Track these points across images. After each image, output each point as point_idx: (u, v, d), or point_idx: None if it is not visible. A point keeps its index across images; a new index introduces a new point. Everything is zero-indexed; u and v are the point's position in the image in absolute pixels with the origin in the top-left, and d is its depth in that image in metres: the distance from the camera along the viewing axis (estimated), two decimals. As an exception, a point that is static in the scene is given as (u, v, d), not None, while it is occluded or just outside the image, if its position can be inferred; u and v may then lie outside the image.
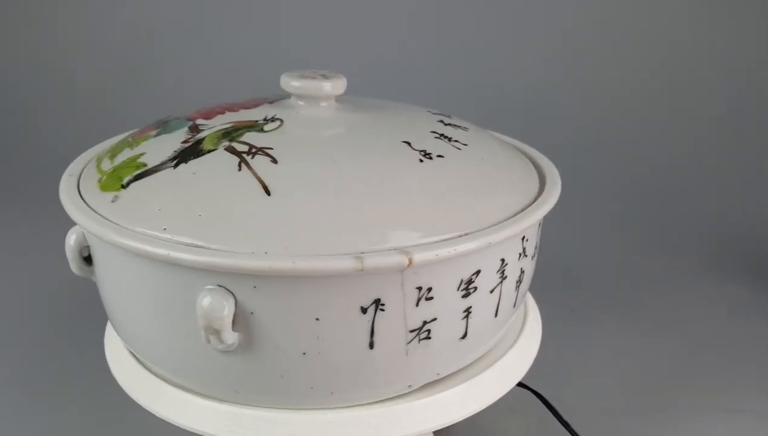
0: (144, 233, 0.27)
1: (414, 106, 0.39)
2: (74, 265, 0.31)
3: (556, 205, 0.32)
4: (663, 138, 0.88)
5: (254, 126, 0.32)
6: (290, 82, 0.34)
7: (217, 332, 0.26)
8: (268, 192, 0.28)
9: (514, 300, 0.33)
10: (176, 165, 0.30)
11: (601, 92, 0.91)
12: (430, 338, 0.29)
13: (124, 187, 0.29)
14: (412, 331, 0.28)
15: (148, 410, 0.31)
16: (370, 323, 0.27)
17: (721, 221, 0.77)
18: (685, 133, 0.88)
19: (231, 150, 0.30)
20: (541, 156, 0.38)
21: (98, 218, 0.28)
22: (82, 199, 0.31)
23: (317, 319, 0.27)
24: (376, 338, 0.28)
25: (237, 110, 0.34)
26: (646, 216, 0.79)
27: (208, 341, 0.27)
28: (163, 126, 0.34)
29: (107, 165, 0.32)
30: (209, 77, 0.99)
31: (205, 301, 0.26)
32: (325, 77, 0.34)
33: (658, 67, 0.91)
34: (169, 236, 0.27)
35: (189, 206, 0.27)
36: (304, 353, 0.27)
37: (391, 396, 0.30)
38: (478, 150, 0.33)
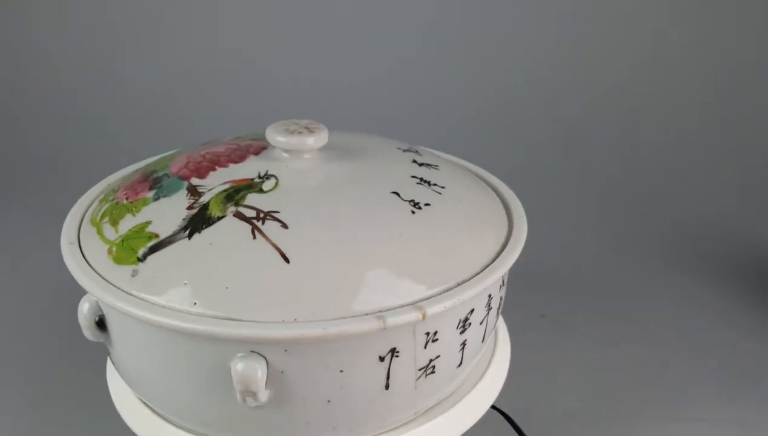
0: (174, 309, 0.29)
1: (383, 140, 0.42)
2: (88, 332, 0.33)
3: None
4: (635, 141, 0.89)
5: (252, 186, 0.34)
6: (276, 138, 0.36)
7: (253, 394, 0.29)
8: (286, 260, 0.30)
9: (494, 323, 0.37)
10: (190, 235, 0.31)
11: (578, 90, 0.92)
12: (434, 372, 0.33)
13: (141, 260, 0.31)
14: (420, 369, 0.32)
15: None
16: (387, 368, 0.31)
17: (691, 224, 0.78)
18: (659, 136, 0.89)
19: (240, 216, 0.32)
20: (502, 185, 0.42)
21: (124, 296, 0.30)
22: (94, 270, 0.32)
23: (341, 371, 0.30)
24: (390, 380, 0.31)
25: (226, 165, 0.36)
26: (618, 219, 0.79)
27: (244, 401, 0.29)
28: (157, 187, 0.35)
29: (112, 234, 0.33)
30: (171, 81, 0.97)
31: (240, 366, 0.29)
32: (308, 130, 0.37)
33: (641, 63, 0.91)
34: (201, 311, 0.29)
35: (214, 279, 0.30)
36: (328, 401, 0.31)
37: (399, 424, 0.34)
38: (455, 191, 0.37)
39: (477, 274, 0.32)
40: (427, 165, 0.39)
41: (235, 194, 0.33)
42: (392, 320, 0.29)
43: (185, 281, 0.30)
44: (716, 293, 0.66)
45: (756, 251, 0.73)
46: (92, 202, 0.39)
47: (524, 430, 0.44)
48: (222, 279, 0.30)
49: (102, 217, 0.35)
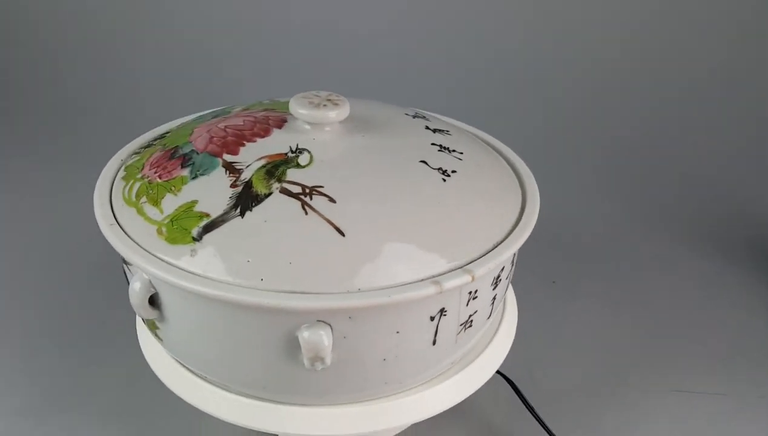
0: (242, 286, 0.31)
1: (390, 106, 0.44)
2: (142, 311, 0.34)
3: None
4: (644, 109, 0.88)
5: (289, 161, 0.35)
6: (298, 110, 0.38)
7: (321, 359, 0.31)
8: (342, 233, 0.32)
9: (512, 276, 0.40)
10: (242, 213, 0.33)
11: (583, 52, 0.91)
12: (471, 325, 0.36)
13: (196, 239, 0.32)
14: (461, 324, 0.35)
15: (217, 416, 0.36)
16: (436, 326, 0.34)
17: (701, 195, 0.77)
18: (669, 100, 0.88)
19: (287, 193, 0.33)
20: (505, 147, 0.45)
21: (191, 276, 0.31)
22: (147, 251, 0.33)
23: (397, 332, 0.33)
24: (438, 336, 0.34)
25: (253, 139, 0.37)
26: (628, 187, 0.79)
27: (312, 366, 0.32)
28: (190, 164, 0.36)
29: (156, 214, 0.34)
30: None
31: (307, 335, 0.31)
32: (332, 103, 0.38)
33: (650, 22, 0.90)
34: (269, 286, 0.31)
35: (277, 255, 0.31)
36: (384, 360, 0.33)
37: (438, 375, 0.37)
38: (472, 156, 0.39)
39: (509, 234, 0.35)
40: (440, 131, 0.41)
41: (274, 170, 0.35)
42: (447, 285, 0.31)
43: (248, 259, 0.31)
44: (722, 267, 0.66)
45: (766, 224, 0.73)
46: (113, 180, 0.39)
47: (526, 396, 0.45)
48: (284, 255, 0.31)
49: (137, 196, 0.35)
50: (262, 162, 0.35)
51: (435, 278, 0.32)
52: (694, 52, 0.89)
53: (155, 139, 0.42)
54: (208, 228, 0.32)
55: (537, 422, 0.43)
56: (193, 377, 0.37)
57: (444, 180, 0.36)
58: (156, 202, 0.34)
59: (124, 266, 0.36)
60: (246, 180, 0.34)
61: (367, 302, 0.30)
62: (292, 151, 0.36)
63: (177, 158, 0.37)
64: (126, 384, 0.49)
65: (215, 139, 0.38)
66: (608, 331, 0.56)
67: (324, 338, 0.31)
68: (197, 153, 0.37)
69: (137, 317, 0.43)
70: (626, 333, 0.56)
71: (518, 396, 0.45)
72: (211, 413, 0.36)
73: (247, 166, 0.35)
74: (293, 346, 0.32)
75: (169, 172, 0.36)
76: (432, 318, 0.33)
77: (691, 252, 0.68)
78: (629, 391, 0.50)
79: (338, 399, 0.35)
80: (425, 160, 0.37)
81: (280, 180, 0.34)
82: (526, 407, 0.44)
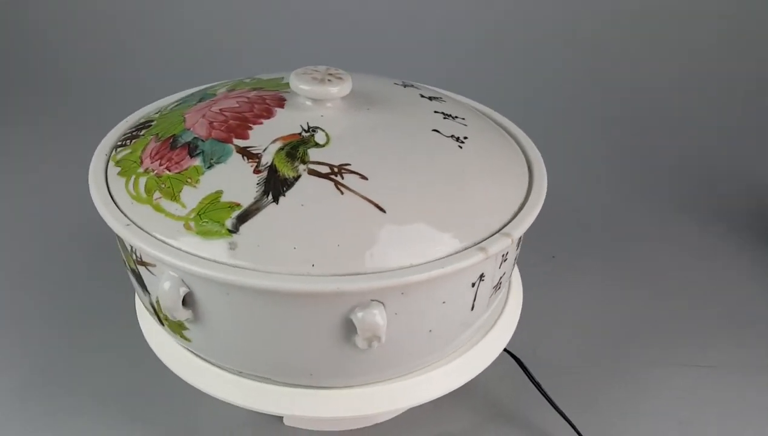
0: (294, 273, 0.30)
1: (379, 78, 0.43)
2: (177, 313, 0.32)
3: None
4: (647, 78, 0.85)
5: (307, 141, 0.34)
6: (300, 86, 0.36)
7: (378, 338, 0.31)
8: (382, 210, 0.32)
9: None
10: (276, 199, 0.31)
11: (592, 26, 0.87)
12: (500, 287, 0.37)
13: (233, 231, 0.31)
14: (494, 287, 0.36)
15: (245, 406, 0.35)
16: (475, 292, 0.34)
17: (702, 167, 0.75)
18: (669, 73, 0.85)
19: (316, 174, 0.32)
20: (495, 113, 0.45)
21: (239, 271, 0.30)
22: (178, 249, 0.31)
23: (444, 302, 0.33)
24: (476, 302, 0.35)
25: (259, 121, 0.36)
26: (628, 160, 0.77)
27: (369, 346, 0.31)
28: (199, 153, 0.34)
29: (178, 209, 0.32)
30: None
31: (362, 315, 0.30)
32: (335, 77, 0.37)
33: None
34: (322, 271, 0.30)
35: (323, 239, 0.30)
36: (430, 331, 0.33)
37: (471, 343, 0.38)
38: (473, 122, 0.40)
39: (528, 194, 0.36)
40: (435, 98, 0.41)
41: (294, 152, 0.33)
42: (492, 250, 0.32)
43: (294, 246, 0.30)
44: (725, 237, 0.64)
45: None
46: (105, 176, 0.36)
47: (532, 372, 0.44)
48: (330, 238, 0.30)
49: (148, 192, 0.33)
50: (278, 144, 0.34)
51: (480, 245, 0.32)
52: (701, 12, 0.85)
53: (138, 129, 0.39)
54: (243, 218, 0.31)
55: (543, 398, 0.43)
56: (219, 371, 0.36)
57: (460, 147, 0.36)
58: (174, 197, 0.32)
59: (138, 267, 0.34)
60: (268, 164, 0.33)
61: (421, 276, 0.30)
62: (305, 131, 0.35)
63: (181, 147, 0.35)
64: (127, 368, 0.47)
65: (216, 124, 0.36)
66: (609, 305, 0.55)
67: (378, 317, 0.30)
68: (202, 140, 0.35)
69: (137, 306, 0.41)
70: (628, 307, 0.55)
71: (524, 372, 0.44)
72: (246, 405, 0.35)
73: (264, 150, 0.34)
74: (346, 329, 0.31)
75: (177, 163, 0.34)
76: (473, 284, 0.33)
77: (691, 223, 0.66)
78: (633, 365, 0.49)
79: (382, 376, 0.35)
80: (437, 128, 0.37)
81: (304, 161, 0.33)
82: (533, 382, 0.43)
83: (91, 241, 0.59)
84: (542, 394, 0.43)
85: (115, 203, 0.34)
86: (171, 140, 0.35)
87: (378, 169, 0.33)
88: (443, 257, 0.31)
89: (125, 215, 0.33)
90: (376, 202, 0.32)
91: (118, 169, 0.36)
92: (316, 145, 0.34)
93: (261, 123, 0.36)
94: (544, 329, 0.52)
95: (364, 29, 0.91)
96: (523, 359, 0.44)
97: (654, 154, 0.77)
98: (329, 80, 0.36)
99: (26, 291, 0.54)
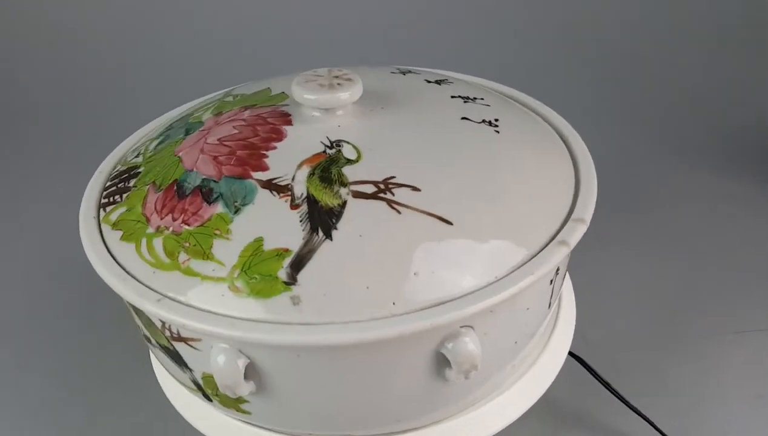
0: (376, 318, 0.26)
1: (378, 68, 0.39)
2: (240, 388, 0.27)
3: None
4: (666, 33, 0.80)
5: (337, 160, 0.30)
6: (304, 95, 0.32)
7: (475, 367, 0.28)
8: (448, 222, 0.28)
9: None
10: (328, 235, 0.27)
11: None
12: (558, 273, 0.34)
13: (290, 283, 0.26)
14: (561, 277, 0.33)
15: None
16: (552, 288, 0.31)
17: (736, 127, 0.70)
18: (689, 30, 0.79)
19: (362, 196, 0.28)
20: (504, 87, 0.42)
21: (308, 328, 0.25)
22: (233, 317, 0.26)
23: (527, 309, 0.30)
24: (552, 298, 0.32)
25: (272, 147, 0.31)
26: (659, 123, 0.71)
27: (466, 378, 0.28)
28: (218, 197, 0.29)
29: (217, 269, 0.27)
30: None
31: (452, 346, 0.27)
32: (341, 80, 0.33)
33: None
34: (406, 308, 0.26)
35: (396, 270, 0.27)
36: (515, 342, 0.30)
37: (538, 349, 0.35)
38: (494, 101, 0.36)
39: (577, 173, 0.33)
40: (444, 81, 0.38)
41: (328, 175, 0.29)
42: (573, 240, 0.29)
43: (366, 285, 0.26)
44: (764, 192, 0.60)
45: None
46: (102, 243, 0.31)
47: (584, 359, 0.39)
48: (403, 266, 0.27)
49: (171, 255, 0.28)
50: (306, 170, 0.29)
51: (559, 239, 0.29)
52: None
53: (122, 179, 0.33)
54: (297, 265, 0.26)
55: (603, 387, 0.38)
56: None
57: (497, 132, 0.33)
58: (206, 255, 0.27)
59: (173, 344, 0.29)
60: (304, 196, 0.28)
61: (514, 288, 0.27)
62: (329, 147, 0.30)
63: (191, 194, 0.30)
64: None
65: (222, 158, 0.31)
66: (650, 278, 0.51)
67: (471, 344, 0.27)
68: (214, 181, 0.30)
69: (157, 371, 0.35)
70: (670, 278, 0.51)
71: (590, 372, 0.39)
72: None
73: (293, 179, 0.29)
74: (436, 363, 0.28)
75: (194, 214, 0.29)
76: (551, 282, 0.30)
77: (729, 181, 0.62)
78: (691, 338, 0.45)
79: (468, 403, 0.32)
80: (465, 116, 0.33)
81: (343, 183, 0.29)
82: (600, 381, 0.39)
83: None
84: (612, 393, 0.38)
85: (130, 274, 0.28)
86: (175, 187, 0.30)
87: (426, 175, 0.29)
88: (527, 262, 0.28)
89: (149, 288, 0.28)
90: (439, 214, 0.28)
91: (119, 232, 0.30)
92: (348, 161, 0.30)
93: (274, 147, 0.31)
94: (589, 310, 0.46)
95: (310, 20, 0.85)
96: (574, 346, 0.39)
97: (679, 113, 0.73)
98: (338, 84, 0.32)
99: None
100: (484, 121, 0.33)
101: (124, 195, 0.32)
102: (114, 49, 0.85)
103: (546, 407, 0.40)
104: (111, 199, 0.33)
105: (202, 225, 0.28)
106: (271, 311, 0.26)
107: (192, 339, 0.28)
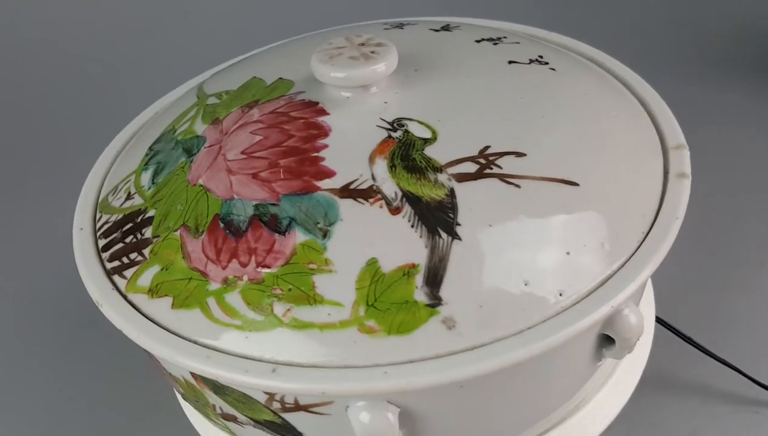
0: (548, 317, 0.22)
1: (371, 25, 0.34)
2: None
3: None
4: None
5: (413, 143, 0.25)
6: (330, 74, 0.26)
7: (638, 339, 0.24)
8: (574, 183, 0.24)
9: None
10: (452, 235, 0.22)
11: None
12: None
13: (434, 305, 0.21)
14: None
15: None
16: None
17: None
18: None
19: (466, 178, 0.24)
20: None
21: (477, 353, 0.21)
22: (371, 366, 0.21)
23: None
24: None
25: (322, 145, 0.25)
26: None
27: (630, 352, 0.25)
28: (295, 224, 0.23)
29: (333, 312, 0.21)
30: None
31: (622, 324, 0.24)
32: (370, 46, 0.27)
33: None
34: (574, 298, 0.22)
35: (545, 254, 0.22)
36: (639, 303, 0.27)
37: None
38: (522, 40, 0.32)
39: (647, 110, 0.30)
40: (453, 27, 0.33)
41: (412, 163, 0.24)
42: (687, 169, 0.26)
43: (524, 281, 0.22)
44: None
45: None
46: (140, 310, 0.24)
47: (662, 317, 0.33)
48: (555, 248, 0.23)
49: (262, 310, 0.22)
50: (381, 163, 0.24)
51: (679, 172, 0.26)
52: None
53: (126, 231, 0.26)
54: (434, 280, 0.22)
55: (684, 341, 0.33)
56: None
57: (553, 69, 0.29)
58: (312, 299, 0.22)
59: (285, 416, 0.23)
60: (399, 195, 0.23)
61: (669, 239, 0.24)
62: (392, 129, 0.25)
63: (251, 228, 0.23)
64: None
65: (263, 174, 0.25)
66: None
67: (632, 316, 0.24)
68: (273, 205, 0.24)
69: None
70: (707, 204, 0.45)
71: (669, 329, 0.33)
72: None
73: (375, 178, 0.24)
74: (598, 347, 0.24)
75: (268, 251, 0.23)
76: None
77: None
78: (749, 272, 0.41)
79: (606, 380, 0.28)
80: (511, 59, 0.29)
81: (436, 169, 0.24)
82: (682, 338, 0.33)
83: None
84: (698, 348, 0.33)
85: (208, 347, 0.22)
86: (221, 225, 0.24)
87: (518, 136, 0.25)
88: (661, 205, 0.25)
89: (247, 358, 0.22)
90: (561, 177, 0.24)
91: (167, 299, 0.23)
92: (426, 141, 0.25)
93: (325, 145, 0.25)
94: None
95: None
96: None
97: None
98: (372, 53, 0.26)
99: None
100: (530, 60, 0.29)
101: (145, 251, 0.25)
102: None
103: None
104: (124, 260, 0.25)
105: (287, 263, 0.22)
106: (423, 345, 0.21)
107: (317, 405, 0.22)
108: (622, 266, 0.23)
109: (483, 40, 0.31)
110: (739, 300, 0.39)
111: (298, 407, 0.22)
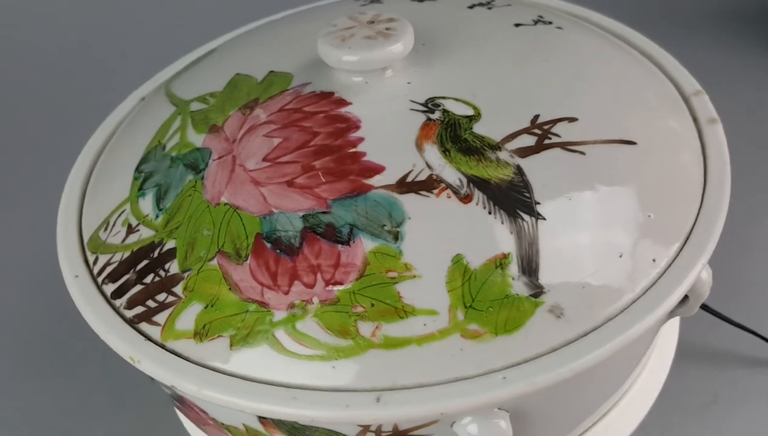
0: (650, 286, 0.21)
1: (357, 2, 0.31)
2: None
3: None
4: None
5: (458, 122, 0.23)
6: (342, 58, 0.24)
7: (707, 293, 0.24)
8: (631, 142, 0.23)
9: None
10: (533, 214, 0.21)
11: None
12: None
13: (537, 294, 0.20)
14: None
15: None
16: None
17: None
18: None
19: (528, 152, 0.22)
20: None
21: (593, 338, 0.19)
22: (485, 374, 0.19)
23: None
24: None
25: (357, 139, 0.23)
26: None
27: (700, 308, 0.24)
28: (346, 232, 0.21)
29: (429, 322, 0.19)
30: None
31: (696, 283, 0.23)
32: (381, 22, 0.25)
33: None
34: (666, 261, 0.21)
35: (630, 221, 0.21)
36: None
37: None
38: (512, 2, 0.31)
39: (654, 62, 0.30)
40: (433, -5, 0.31)
41: (465, 144, 0.22)
42: (714, 113, 0.26)
43: (619, 253, 0.21)
44: None
45: None
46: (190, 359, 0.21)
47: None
48: (635, 213, 0.21)
49: (346, 333, 0.19)
50: (431, 149, 0.22)
51: (709, 117, 0.26)
52: None
53: (142, 270, 0.22)
54: (530, 268, 0.20)
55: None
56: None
57: (559, 28, 0.28)
58: (402, 311, 0.19)
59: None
60: (465, 181, 0.21)
61: (726, 186, 0.23)
62: (430, 111, 0.23)
63: (305, 243, 0.21)
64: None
65: (299, 181, 0.22)
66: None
67: (704, 271, 0.23)
68: (324, 213, 0.21)
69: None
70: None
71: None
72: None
73: (431, 167, 0.22)
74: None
75: (335, 266, 0.20)
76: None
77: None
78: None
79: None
80: (516, 22, 0.28)
81: (493, 147, 0.22)
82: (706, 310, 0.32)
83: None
84: (713, 314, 0.32)
85: (291, 386, 0.19)
86: (268, 245, 0.21)
87: (562, 101, 0.24)
88: (704, 155, 0.24)
89: (341, 391, 0.19)
90: (618, 137, 0.23)
91: (223, 340, 0.20)
92: (472, 118, 0.23)
93: (361, 139, 0.23)
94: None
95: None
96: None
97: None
98: (387, 31, 0.24)
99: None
100: (533, 21, 0.28)
101: (176, 289, 0.21)
102: None
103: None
104: (149, 304, 0.22)
105: (362, 276, 0.20)
106: (536, 340, 0.19)
107: (420, 427, 0.20)
108: (695, 220, 0.22)
109: (475, 5, 0.29)
110: (751, 263, 0.38)
111: (396, 434, 0.20)
